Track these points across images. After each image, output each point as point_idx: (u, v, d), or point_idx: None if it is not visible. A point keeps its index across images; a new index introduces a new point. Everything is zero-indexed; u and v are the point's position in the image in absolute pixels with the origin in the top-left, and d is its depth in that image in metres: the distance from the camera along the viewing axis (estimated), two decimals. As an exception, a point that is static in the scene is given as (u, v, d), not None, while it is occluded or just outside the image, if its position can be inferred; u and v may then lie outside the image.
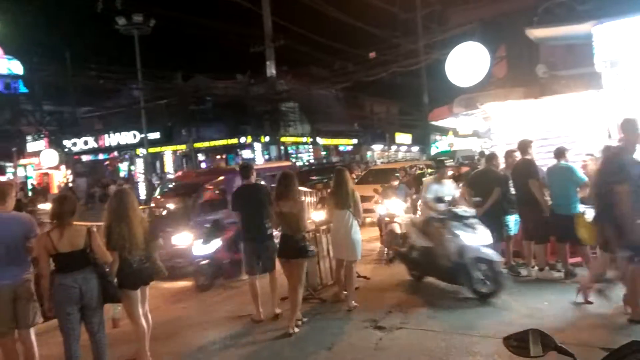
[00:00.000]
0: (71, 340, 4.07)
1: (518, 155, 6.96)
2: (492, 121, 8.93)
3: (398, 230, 7.80)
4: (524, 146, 6.87)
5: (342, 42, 22.11)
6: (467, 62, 9.26)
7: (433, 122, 14.19)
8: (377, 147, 41.93)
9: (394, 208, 8.63)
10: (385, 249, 8.51)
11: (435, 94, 24.57)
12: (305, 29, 20.25)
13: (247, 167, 6.26)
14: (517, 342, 1.58)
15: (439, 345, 4.61)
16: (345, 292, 6.17)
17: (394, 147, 42.19)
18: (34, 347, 4.16)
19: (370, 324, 5.27)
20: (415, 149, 42.25)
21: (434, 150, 28.75)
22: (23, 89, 22.28)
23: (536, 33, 8.04)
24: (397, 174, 11.85)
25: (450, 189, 6.78)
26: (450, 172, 9.24)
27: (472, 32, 10.45)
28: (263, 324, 5.63)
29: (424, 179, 8.71)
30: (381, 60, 18.12)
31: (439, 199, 6.47)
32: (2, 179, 23.50)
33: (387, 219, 8.65)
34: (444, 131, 31.10)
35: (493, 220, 6.42)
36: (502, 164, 7.32)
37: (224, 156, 34.74)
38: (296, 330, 5.22)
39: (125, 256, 4.45)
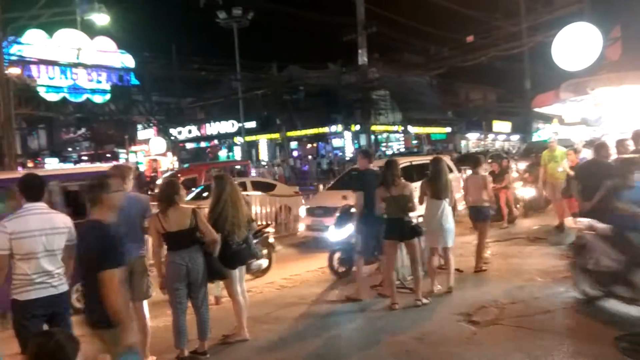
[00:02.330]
0: (179, 313, 4.46)
1: (631, 145, 6.35)
2: (604, 108, 8.24)
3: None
4: (639, 136, 6.26)
5: (437, 27, 21.38)
6: (576, 44, 8.62)
7: (536, 109, 13.36)
8: (472, 136, 40.32)
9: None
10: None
11: (538, 79, 23.14)
12: (399, 14, 19.92)
13: (368, 153, 6.82)
14: (631, 343, 1.47)
15: (536, 344, 4.39)
16: (439, 286, 6.12)
17: (491, 136, 40.33)
18: (147, 318, 4.56)
19: (462, 318, 5.15)
20: (515, 137, 40.07)
21: (536, 139, 27.10)
22: (134, 81, 24.16)
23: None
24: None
25: None
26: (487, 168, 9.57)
27: (580, 12, 9.71)
28: (361, 307, 5.70)
29: None
30: (479, 44, 17.32)
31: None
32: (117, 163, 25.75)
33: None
34: (547, 119, 29.12)
35: (601, 217, 5.92)
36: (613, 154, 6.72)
37: (314, 144, 35.42)
38: (424, 301, 5.60)
39: (226, 238, 4.73)
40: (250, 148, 34.25)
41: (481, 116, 38.86)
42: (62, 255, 3.62)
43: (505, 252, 7.97)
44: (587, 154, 8.95)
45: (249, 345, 4.84)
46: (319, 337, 5.00)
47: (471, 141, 40.28)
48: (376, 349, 4.63)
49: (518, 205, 11.15)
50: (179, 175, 14.28)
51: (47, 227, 3.52)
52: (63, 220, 3.65)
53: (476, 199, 7.07)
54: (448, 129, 38.09)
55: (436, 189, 6.04)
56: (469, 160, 11.13)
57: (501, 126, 40.78)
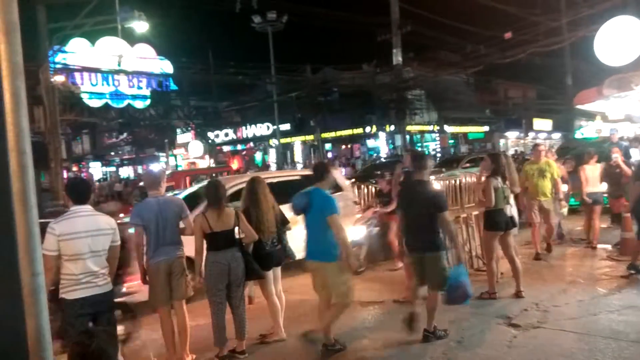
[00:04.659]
0: (218, 312, 4.56)
1: None
2: (650, 104, 7.91)
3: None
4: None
5: (474, 24, 21.02)
6: (619, 38, 8.33)
7: (578, 106, 12.95)
8: (512, 135, 39.32)
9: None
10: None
11: (580, 75, 22.39)
12: (434, 12, 19.67)
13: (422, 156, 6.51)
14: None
15: (580, 347, 4.26)
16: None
17: (531, 134, 39.24)
18: (186, 317, 4.66)
19: (503, 321, 5.04)
20: (557, 135, 38.86)
21: (578, 137, 26.22)
22: (173, 87, 24.77)
23: None
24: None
25: None
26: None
27: (623, 5, 9.36)
28: (400, 308, 5.65)
29: None
30: (518, 40, 16.88)
31: None
32: (155, 167, 26.54)
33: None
34: (590, 116, 28.20)
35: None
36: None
37: (349, 146, 35.37)
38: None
39: (259, 238, 4.80)
40: (285, 150, 34.50)
41: (521, 114, 37.83)
42: (106, 256, 3.76)
43: (548, 253, 7.74)
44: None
45: (286, 345, 4.88)
46: (355, 337, 4.98)
47: (510, 140, 39.27)
48: (415, 351, 4.58)
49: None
50: None
51: (93, 228, 3.66)
52: (108, 222, 3.78)
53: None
54: (486, 128, 37.25)
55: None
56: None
57: (542, 124, 39.55)
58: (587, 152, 8.42)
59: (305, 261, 4.66)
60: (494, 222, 5.77)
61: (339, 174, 9.25)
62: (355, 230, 7.48)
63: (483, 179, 6.10)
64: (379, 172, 9.83)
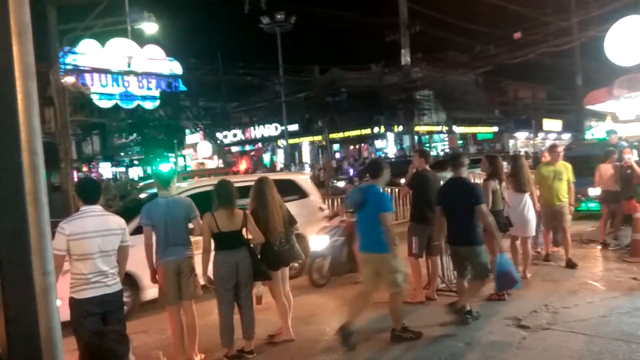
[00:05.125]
0: (226, 312, 4.57)
1: None
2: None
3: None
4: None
5: (483, 24, 20.99)
6: (629, 38, 8.24)
7: (588, 107, 12.85)
8: (521, 135, 39.09)
9: None
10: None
11: (590, 75, 22.22)
12: (443, 12, 19.62)
13: (425, 152, 6.66)
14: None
15: (590, 349, 4.22)
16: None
17: (541, 135, 38.99)
18: (195, 317, 4.68)
19: (512, 322, 5.01)
20: (567, 136, 38.58)
21: (589, 138, 26.01)
22: (182, 88, 24.92)
23: None
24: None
25: None
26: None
27: (634, 4, 9.28)
28: (408, 309, 5.64)
29: None
30: (527, 40, 16.80)
31: None
32: (165, 167, 26.57)
33: None
34: (600, 116, 27.98)
35: None
36: None
37: (357, 146, 35.36)
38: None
39: (267, 238, 4.81)
40: (293, 151, 34.56)
41: (530, 115, 37.61)
42: (116, 256, 3.79)
43: (557, 255, 7.69)
44: None
45: (294, 345, 4.89)
46: (364, 338, 4.98)
47: (520, 140, 39.04)
48: (424, 352, 4.57)
49: None
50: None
51: (103, 228, 3.69)
52: (117, 222, 3.81)
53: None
54: (495, 129, 37.08)
55: (519, 183, 6.47)
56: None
57: (551, 124, 39.29)
58: (609, 150, 8.35)
59: (359, 252, 4.92)
60: (501, 225, 5.75)
61: (306, 179, 8.46)
62: (318, 240, 6.98)
63: (481, 180, 6.13)
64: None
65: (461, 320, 4.99)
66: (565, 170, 7.23)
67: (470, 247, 4.96)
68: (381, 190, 4.76)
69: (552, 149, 7.53)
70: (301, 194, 7.86)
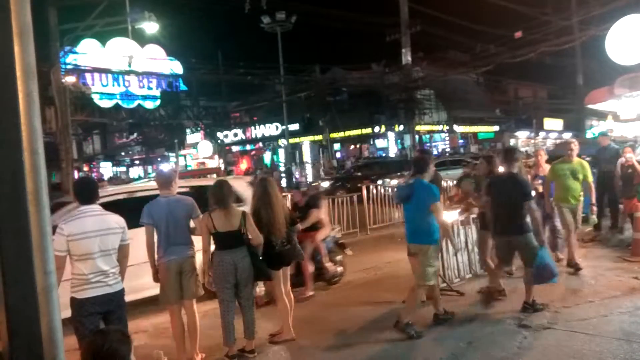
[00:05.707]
0: (227, 311, 4.57)
1: None
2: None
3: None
4: None
5: (484, 23, 20.96)
6: (630, 37, 8.24)
7: (589, 106, 12.85)
8: (522, 135, 39.07)
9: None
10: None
11: (591, 74, 22.23)
12: (444, 12, 19.60)
13: (428, 152, 6.56)
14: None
15: (591, 349, 4.22)
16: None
17: (542, 134, 38.98)
18: (196, 316, 4.69)
19: (513, 322, 5.01)
20: (567, 135, 38.57)
21: (589, 137, 26.02)
22: (183, 87, 24.90)
23: None
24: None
25: None
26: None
27: (635, 3, 9.27)
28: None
29: None
30: (528, 39, 16.78)
31: None
32: (166, 167, 26.68)
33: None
34: (601, 116, 28.00)
35: None
36: None
37: (357, 146, 35.36)
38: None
39: (269, 238, 4.81)
40: (294, 150, 34.56)
41: (531, 114, 37.60)
42: (116, 255, 3.79)
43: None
44: None
45: (295, 345, 4.89)
46: (364, 339, 4.98)
47: (521, 140, 39.01)
48: (425, 351, 4.57)
49: None
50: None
51: (102, 228, 3.69)
52: (117, 221, 3.81)
53: None
54: (496, 128, 37.05)
55: None
56: None
57: (552, 124, 39.28)
58: (629, 145, 8.32)
59: (407, 243, 5.10)
60: (489, 223, 5.72)
61: (244, 183, 7.31)
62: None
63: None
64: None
65: (536, 308, 5.21)
66: (582, 168, 6.86)
67: (522, 235, 5.22)
68: (429, 184, 5.03)
69: (567, 145, 7.18)
70: (237, 199, 6.95)
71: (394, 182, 16.04)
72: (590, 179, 6.96)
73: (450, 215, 7.04)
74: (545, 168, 7.31)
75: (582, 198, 6.94)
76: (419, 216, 4.92)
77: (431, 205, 4.83)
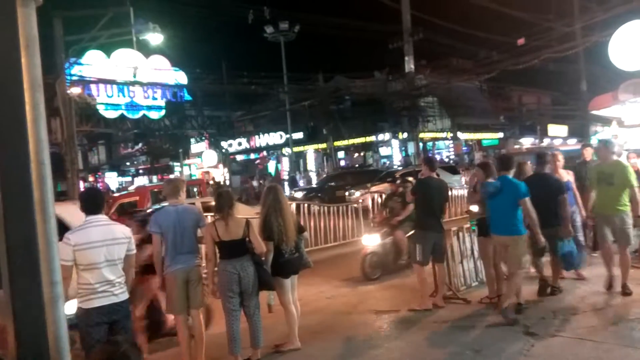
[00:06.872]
0: (232, 320, 4.56)
1: None
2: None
3: None
4: None
5: (487, 31, 20.97)
6: (634, 42, 8.24)
7: (593, 112, 12.83)
8: (526, 141, 39.00)
9: None
10: None
11: (595, 80, 22.20)
12: (446, 19, 19.66)
13: (432, 160, 7.10)
14: None
15: (599, 356, 4.18)
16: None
17: (546, 140, 38.90)
18: (202, 325, 4.68)
19: (520, 329, 4.97)
20: (572, 141, 38.45)
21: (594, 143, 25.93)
22: (187, 97, 25.05)
23: None
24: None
25: None
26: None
27: (638, 9, 9.28)
28: (416, 317, 5.63)
29: None
30: (531, 46, 16.80)
31: None
32: (171, 176, 26.77)
33: None
34: (606, 121, 27.91)
35: None
36: None
37: (361, 153, 35.36)
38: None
39: (278, 246, 4.81)
40: (298, 159, 34.59)
41: (535, 120, 37.53)
42: (122, 265, 3.80)
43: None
44: None
45: (301, 354, 4.86)
46: (371, 346, 4.96)
47: (525, 146, 38.93)
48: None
49: None
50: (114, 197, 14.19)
51: (108, 238, 3.70)
52: (123, 231, 3.82)
53: None
54: (500, 135, 37.00)
55: None
56: None
57: (557, 130, 39.19)
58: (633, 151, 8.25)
59: (494, 235, 5.54)
60: (489, 229, 5.71)
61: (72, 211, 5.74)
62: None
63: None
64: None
65: (558, 291, 5.88)
66: (622, 172, 5.83)
67: (558, 227, 5.75)
68: (516, 180, 5.50)
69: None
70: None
71: (357, 193, 16.17)
72: (635, 184, 5.86)
73: (371, 239, 7.61)
74: (562, 174, 6.69)
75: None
76: (509, 210, 5.32)
77: (519, 200, 5.27)
